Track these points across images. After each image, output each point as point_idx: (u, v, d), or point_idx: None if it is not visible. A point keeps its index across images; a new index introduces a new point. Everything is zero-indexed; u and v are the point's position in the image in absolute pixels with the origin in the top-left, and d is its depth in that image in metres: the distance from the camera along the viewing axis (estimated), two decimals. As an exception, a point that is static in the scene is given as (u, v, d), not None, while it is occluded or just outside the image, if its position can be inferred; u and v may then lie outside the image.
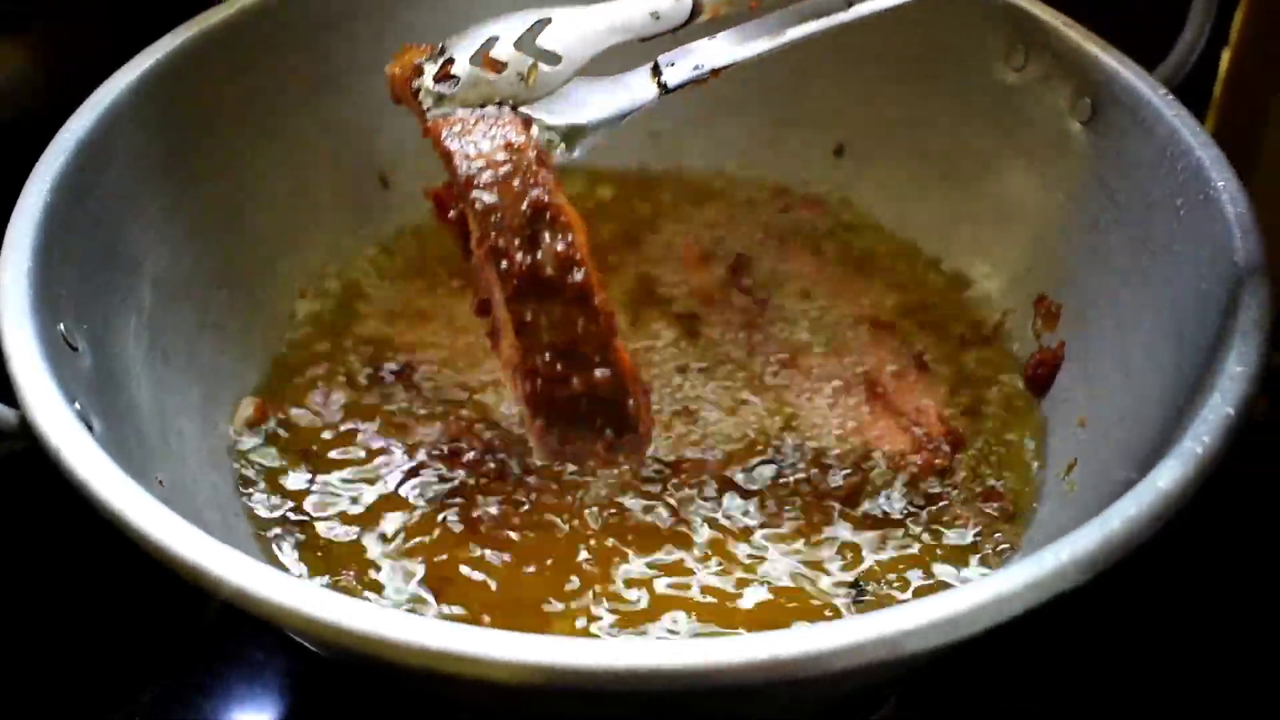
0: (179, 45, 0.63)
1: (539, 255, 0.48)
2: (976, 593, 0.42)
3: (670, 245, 0.73)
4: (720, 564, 0.57)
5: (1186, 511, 0.45)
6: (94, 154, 0.58)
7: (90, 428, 0.49)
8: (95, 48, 0.67)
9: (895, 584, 0.57)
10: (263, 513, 0.59)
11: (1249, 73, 0.65)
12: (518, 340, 0.49)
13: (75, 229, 0.56)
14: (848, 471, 0.61)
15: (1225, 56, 0.66)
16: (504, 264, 0.48)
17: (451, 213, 0.55)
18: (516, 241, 0.48)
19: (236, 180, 0.67)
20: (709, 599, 0.56)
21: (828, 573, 0.57)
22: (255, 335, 0.66)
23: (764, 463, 0.61)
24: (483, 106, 0.51)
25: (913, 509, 0.60)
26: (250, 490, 0.60)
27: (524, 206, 0.48)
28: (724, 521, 0.59)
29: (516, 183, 0.49)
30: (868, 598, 0.56)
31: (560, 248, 0.48)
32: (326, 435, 0.63)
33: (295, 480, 0.61)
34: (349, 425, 0.63)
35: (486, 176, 0.49)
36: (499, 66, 0.51)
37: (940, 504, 0.60)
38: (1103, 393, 0.60)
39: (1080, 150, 0.64)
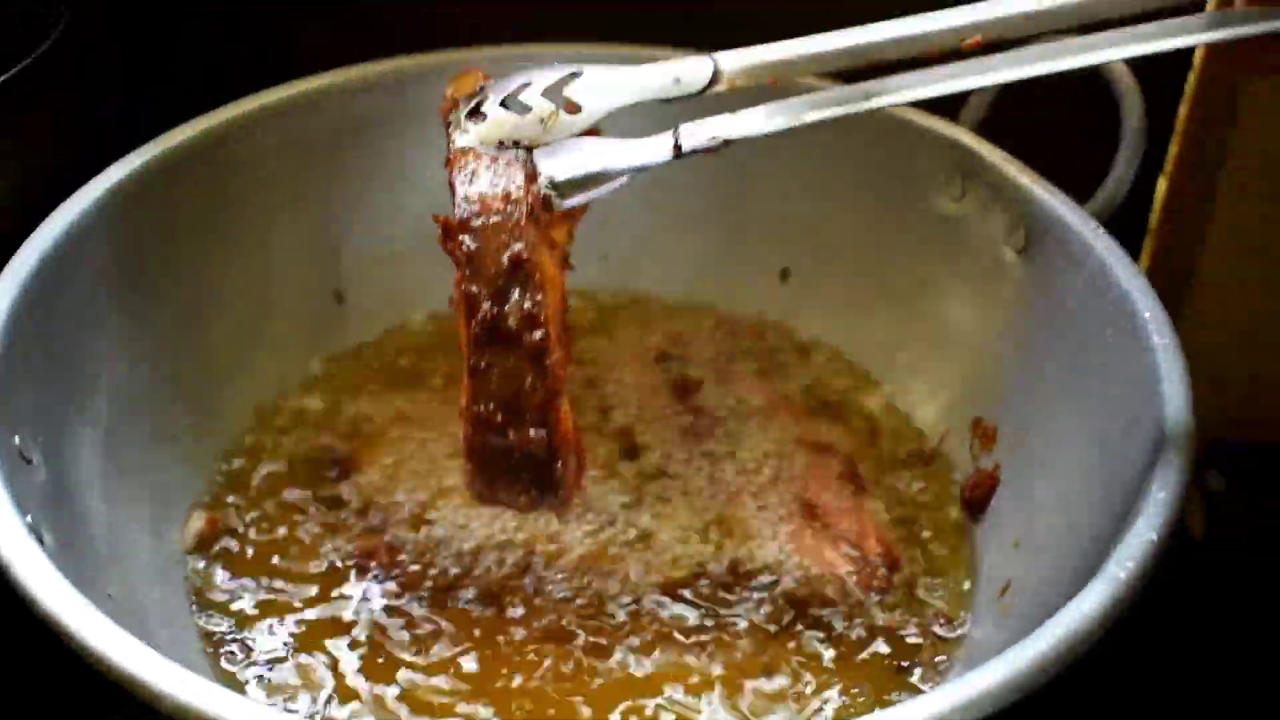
0: (143, 162, 0.65)
1: (505, 308, 0.50)
2: (908, 712, 0.43)
3: (616, 364, 0.74)
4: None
5: (1116, 630, 0.46)
6: (57, 268, 0.59)
7: (41, 541, 0.49)
8: (60, 163, 0.68)
9: (828, 702, 0.57)
10: (212, 629, 0.60)
11: (1184, 202, 0.67)
12: (469, 382, 0.51)
13: (35, 342, 0.57)
14: (785, 590, 0.62)
15: (1161, 185, 0.68)
16: (472, 309, 0.50)
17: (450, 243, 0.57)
18: (488, 290, 0.50)
19: (195, 294, 0.68)
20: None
21: (766, 694, 0.58)
22: (208, 447, 0.67)
23: (700, 583, 0.62)
24: (501, 146, 0.53)
25: (848, 628, 0.60)
26: (201, 610, 0.61)
27: (504, 259, 0.50)
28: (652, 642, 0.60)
29: (503, 235, 0.50)
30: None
31: (527, 305, 0.50)
32: (275, 556, 0.63)
33: (244, 600, 0.61)
34: (297, 537, 0.64)
35: (477, 222, 0.51)
36: (524, 110, 0.53)
37: (875, 623, 0.61)
38: (1037, 514, 0.61)
39: (1015, 277, 0.66)
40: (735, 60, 0.54)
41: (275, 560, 0.63)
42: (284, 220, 0.72)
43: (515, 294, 0.50)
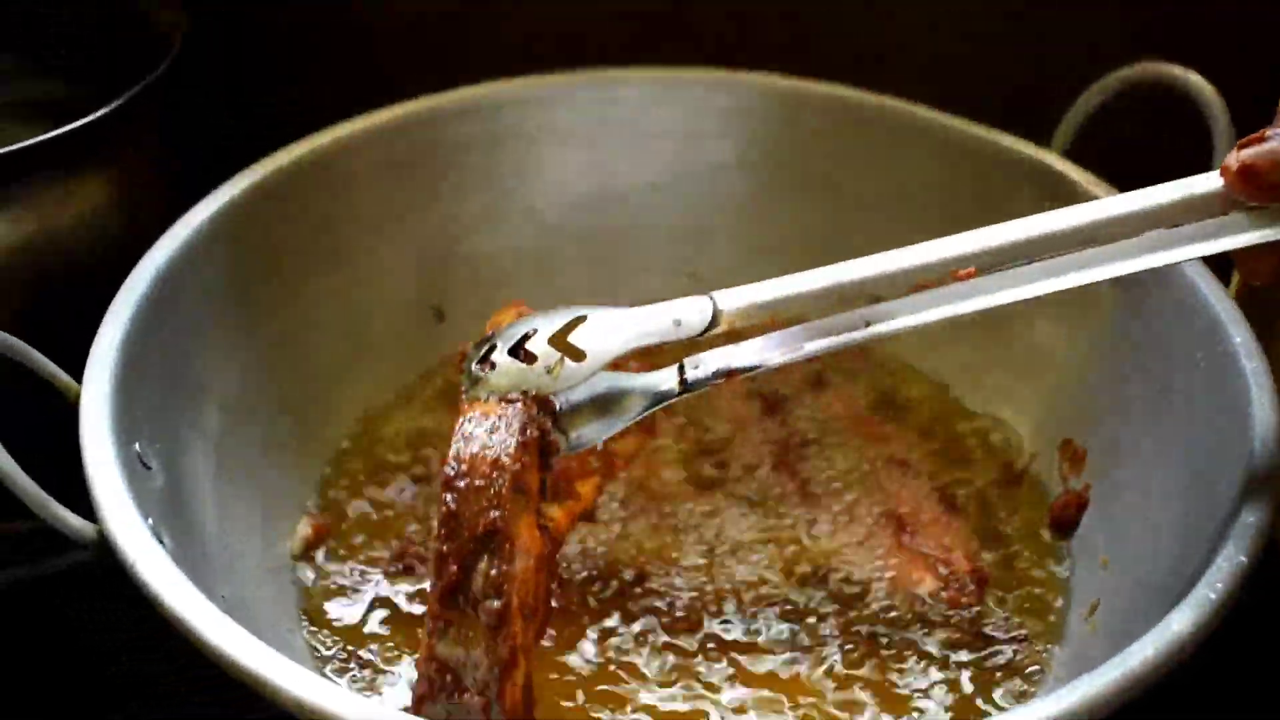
0: (250, 184, 0.68)
1: (472, 574, 0.51)
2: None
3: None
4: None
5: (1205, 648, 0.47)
6: (169, 285, 0.62)
7: (162, 543, 0.52)
8: (165, 187, 0.71)
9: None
10: (318, 644, 0.62)
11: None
12: (424, 639, 0.52)
13: (150, 355, 0.59)
14: (877, 609, 0.63)
15: None
16: (440, 568, 0.51)
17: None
18: (457, 555, 0.51)
19: (298, 311, 0.70)
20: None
21: (860, 710, 0.59)
22: (313, 456, 0.70)
23: (790, 600, 0.64)
24: (510, 394, 0.54)
25: (940, 647, 0.61)
26: (308, 624, 0.62)
27: (479, 526, 0.51)
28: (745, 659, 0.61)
29: (483, 501, 0.51)
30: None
31: (493, 573, 0.51)
32: (377, 562, 0.66)
33: (349, 613, 0.63)
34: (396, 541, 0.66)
35: (461, 484, 0.52)
36: (531, 359, 0.54)
37: (966, 642, 0.62)
38: (1124, 535, 0.62)
39: (1104, 303, 0.67)
40: (733, 301, 0.55)
41: (378, 566, 0.65)
42: (383, 240, 0.74)
43: (484, 561, 0.51)
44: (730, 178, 0.79)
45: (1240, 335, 0.59)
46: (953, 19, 0.82)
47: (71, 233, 0.67)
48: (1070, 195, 0.68)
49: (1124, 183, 0.68)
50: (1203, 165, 0.68)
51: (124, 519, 0.51)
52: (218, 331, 0.65)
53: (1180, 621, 0.47)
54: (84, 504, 0.52)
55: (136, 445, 0.56)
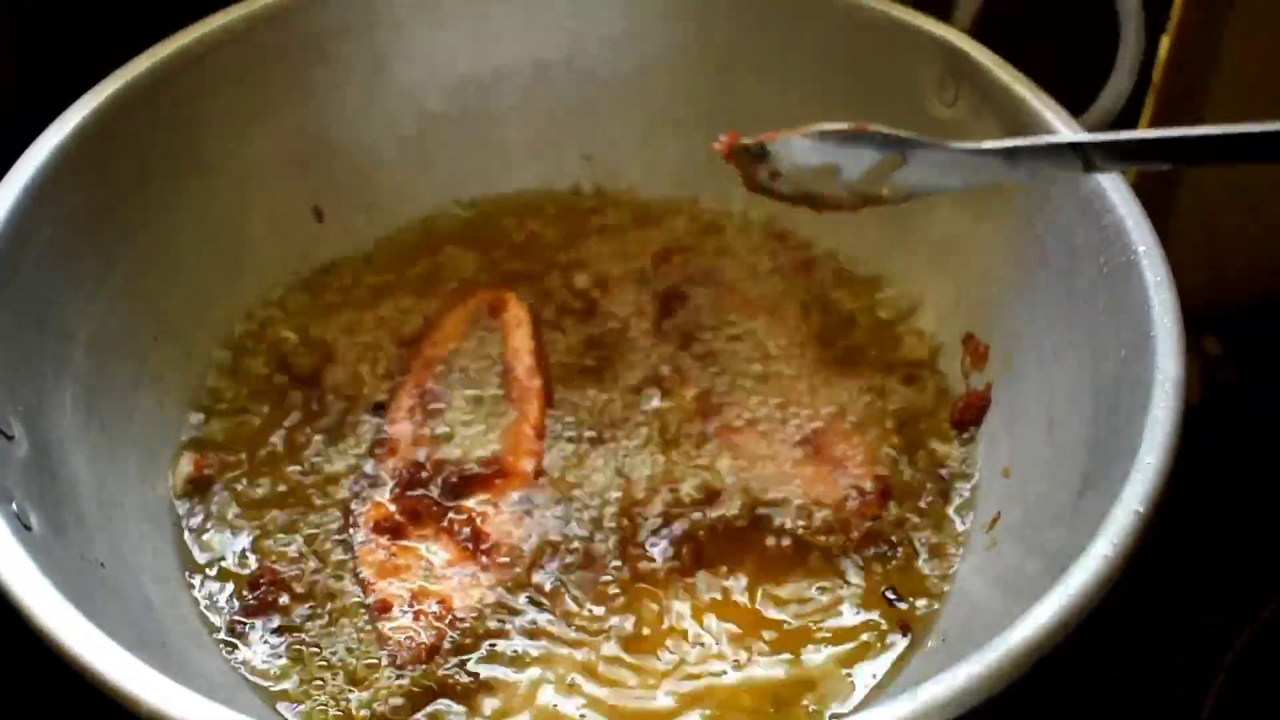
0: (104, 99, 0.63)
1: None
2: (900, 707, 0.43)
3: (603, 272, 0.73)
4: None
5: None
6: (19, 229, 0.58)
7: (28, 526, 0.49)
8: (13, 101, 0.66)
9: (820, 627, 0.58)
10: (204, 595, 0.60)
11: (1171, 115, 0.65)
12: None
13: (5, 307, 0.56)
14: (782, 520, 0.62)
15: (1164, 43, 0.66)
16: None
17: None
18: None
19: (170, 226, 0.67)
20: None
21: (765, 620, 0.58)
22: (191, 385, 0.67)
23: (682, 515, 0.62)
24: None
25: (844, 555, 0.61)
26: (195, 576, 0.60)
27: None
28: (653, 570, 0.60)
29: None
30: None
31: None
32: (261, 489, 0.63)
33: (238, 557, 0.61)
34: (286, 472, 0.64)
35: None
36: None
37: (869, 550, 0.61)
38: (1026, 442, 0.61)
39: (1008, 193, 0.64)
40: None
41: (265, 503, 0.63)
42: (253, 140, 0.70)
43: None
44: (621, 52, 0.74)
45: (1144, 244, 0.56)
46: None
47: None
48: (973, 73, 0.66)
49: (1026, 63, 0.65)
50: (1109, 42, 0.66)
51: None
52: (79, 263, 0.61)
53: (1078, 578, 0.46)
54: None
55: (-5, 413, 0.53)
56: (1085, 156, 0.49)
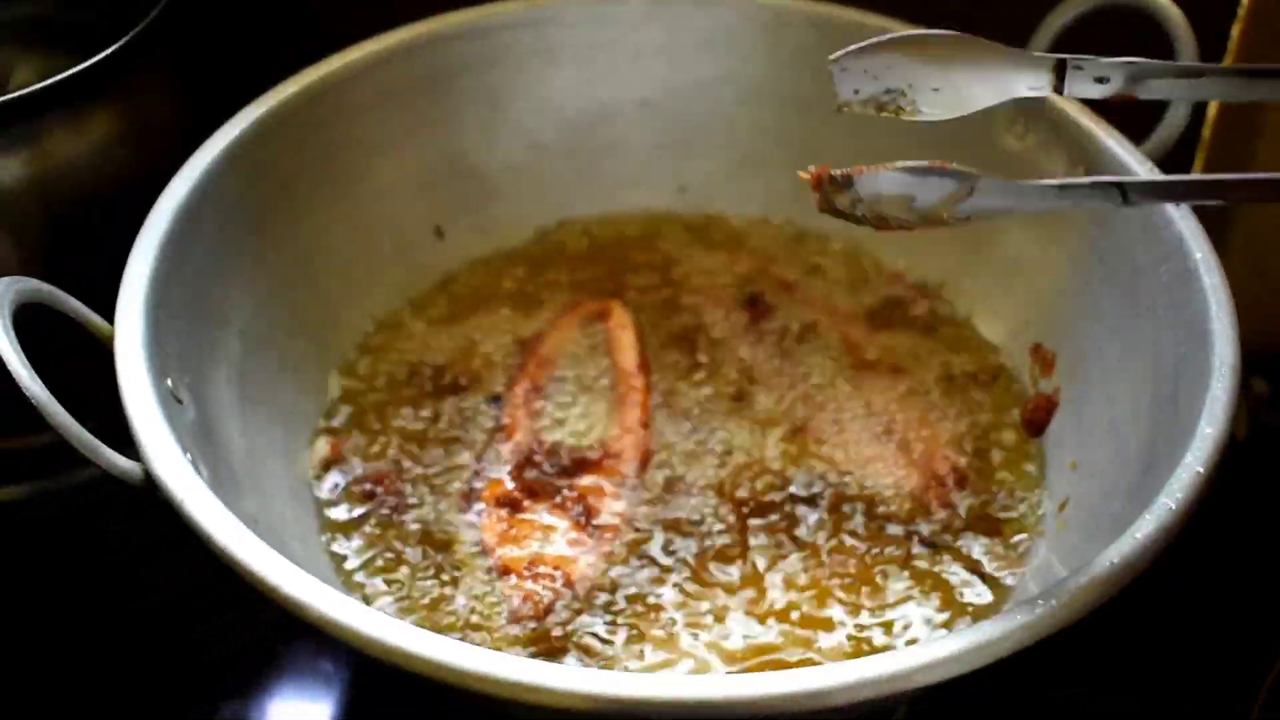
0: (258, 116, 0.70)
1: None
2: (975, 635, 0.48)
3: (698, 285, 0.80)
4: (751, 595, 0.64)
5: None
6: (190, 219, 0.65)
7: (200, 475, 0.55)
8: (174, 118, 0.74)
9: (901, 614, 0.63)
10: (341, 551, 0.66)
11: (1228, 143, 0.71)
12: None
13: (176, 291, 0.62)
14: (859, 506, 0.67)
15: (1205, 134, 0.72)
16: None
17: None
18: None
19: (308, 237, 0.73)
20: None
21: (842, 602, 0.64)
22: (327, 375, 0.73)
23: (777, 497, 0.68)
24: None
25: (922, 541, 0.66)
26: (331, 534, 0.67)
27: None
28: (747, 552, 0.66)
29: None
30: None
31: None
32: (394, 465, 0.70)
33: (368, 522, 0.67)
34: (418, 455, 0.70)
35: None
36: None
37: (946, 536, 0.66)
38: (1091, 439, 0.67)
39: (1077, 217, 0.70)
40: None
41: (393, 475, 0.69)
42: (386, 163, 0.77)
43: None
44: (714, 93, 0.81)
45: (1201, 251, 0.62)
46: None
47: (84, 169, 0.70)
48: (1053, 121, 0.72)
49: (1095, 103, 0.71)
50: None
51: (167, 457, 0.54)
52: (235, 261, 0.68)
53: (1143, 530, 0.52)
54: (122, 442, 0.55)
55: (169, 380, 0.59)
56: (1124, 193, 0.55)
